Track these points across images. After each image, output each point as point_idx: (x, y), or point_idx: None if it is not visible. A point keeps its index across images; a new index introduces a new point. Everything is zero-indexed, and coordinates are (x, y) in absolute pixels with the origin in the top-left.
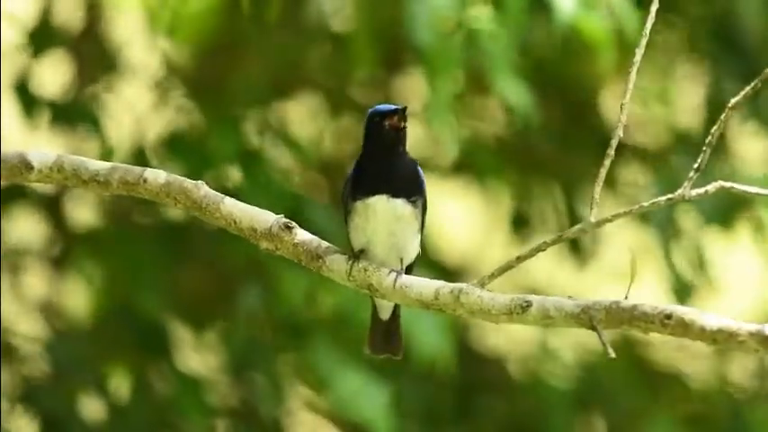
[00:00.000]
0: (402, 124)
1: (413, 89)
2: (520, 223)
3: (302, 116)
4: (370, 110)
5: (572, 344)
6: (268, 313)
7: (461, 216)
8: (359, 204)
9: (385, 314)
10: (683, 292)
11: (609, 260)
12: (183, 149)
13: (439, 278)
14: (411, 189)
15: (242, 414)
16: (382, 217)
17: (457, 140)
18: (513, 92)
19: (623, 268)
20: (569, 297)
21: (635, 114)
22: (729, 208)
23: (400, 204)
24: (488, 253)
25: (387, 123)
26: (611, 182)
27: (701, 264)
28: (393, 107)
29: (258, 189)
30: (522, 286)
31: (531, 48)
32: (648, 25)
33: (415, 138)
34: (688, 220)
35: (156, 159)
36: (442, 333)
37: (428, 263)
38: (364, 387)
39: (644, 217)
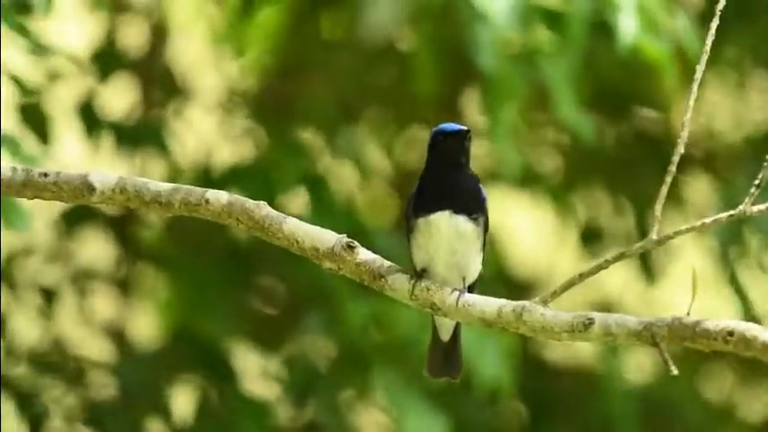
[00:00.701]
0: (465, 145)
1: (479, 110)
2: (590, 238)
3: (368, 137)
4: (434, 128)
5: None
6: (331, 339)
7: (532, 230)
8: (421, 221)
9: (445, 335)
10: (747, 309)
11: (680, 275)
12: (246, 177)
13: (510, 293)
14: (473, 206)
15: None
16: (444, 234)
17: (521, 159)
18: (574, 116)
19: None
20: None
21: (703, 129)
22: None
23: (462, 221)
24: (559, 267)
25: (450, 143)
26: (677, 196)
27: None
28: (458, 127)
29: (321, 213)
30: (594, 300)
31: (596, 68)
32: (708, 42)
33: (483, 151)
34: (754, 238)
35: (219, 186)
36: (504, 357)
37: (497, 277)
38: (425, 416)
39: (711, 231)
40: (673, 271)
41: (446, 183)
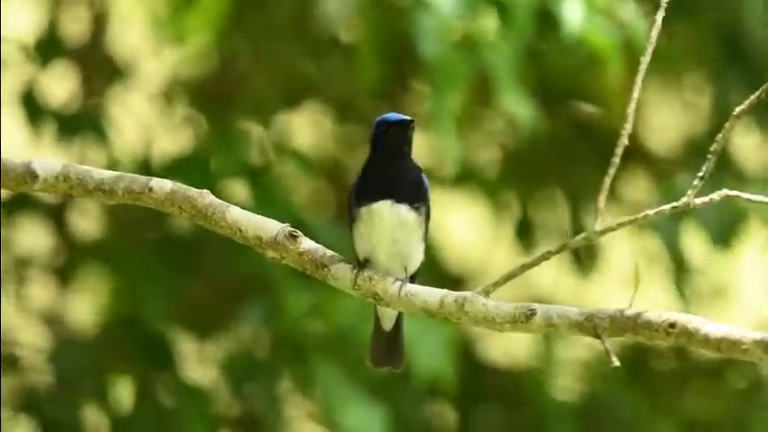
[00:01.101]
0: (408, 135)
1: (419, 100)
2: (524, 232)
3: (308, 127)
4: (377, 118)
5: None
6: (270, 327)
7: (467, 224)
8: (363, 210)
9: (388, 325)
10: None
11: (614, 266)
12: (186, 168)
13: (444, 286)
14: (415, 195)
15: (243, 425)
16: (387, 223)
17: (460, 152)
18: (516, 104)
19: (628, 274)
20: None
21: (642, 124)
22: (733, 222)
23: (404, 210)
24: (493, 261)
25: (393, 133)
26: (615, 191)
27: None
28: (401, 117)
29: (262, 203)
30: (527, 295)
31: (538, 59)
32: (654, 33)
33: (421, 147)
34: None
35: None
36: (445, 348)
37: (433, 271)
38: (363, 408)
39: (650, 225)
40: (603, 267)
41: (389, 172)
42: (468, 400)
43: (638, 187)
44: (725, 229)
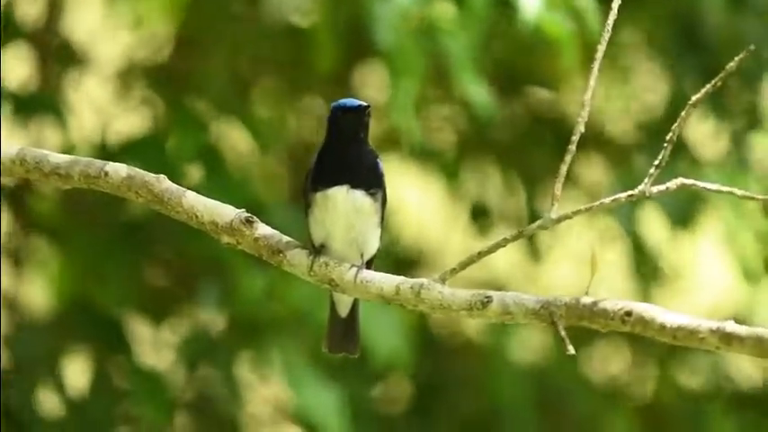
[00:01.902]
0: (364, 120)
1: (374, 82)
2: (480, 216)
3: (263, 109)
4: (333, 103)
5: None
6: (226, 310)
7: (423, 207)
8: (318, 196)
9: (343, 311)
10: (646, 280)
11: (570, 247)
12: (142, 150)
13: (400, 270)
14: (371, 181)
15: (199, 409)
16: (342, 208)
17: (418, 136)
18: (473, 90)
19: (585, 257)
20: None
21: (598, 110)
22: (689, 206)
23: (360, 196)
24: (450, 244)
25: (348, 118)
26: (572, 176)
27: (662, 258)
28: (357, 103)
29: (218, 186)
30: (484, 277)
31: (494, 44)
32: (610, 21)
33: (379, 129)
34: (649, 215)
35: (116, 159)
36: (401, 332)
37: (390, 254)
38: (319, 389)
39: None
40: (560, 248)
41: (344, 157)
42: (423, 380)
43: (594, 170)
44: (682, 212)
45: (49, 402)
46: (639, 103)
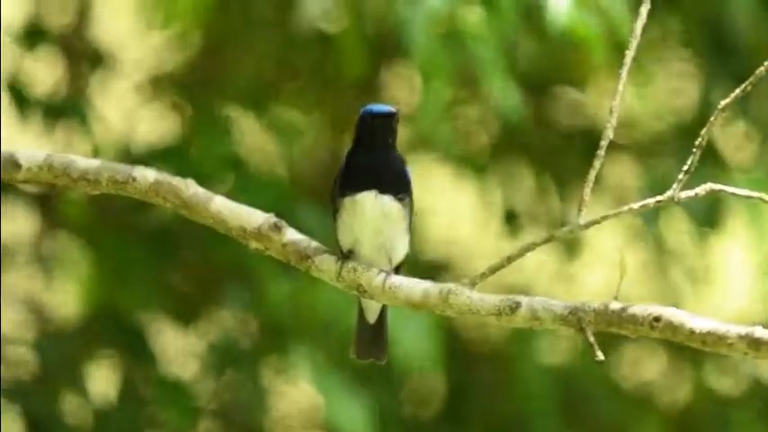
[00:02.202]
0: (393, 126)
1: (402, 86)
2: (512, 218)
3: (291, 114)
4: (362, 108)
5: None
6: (253, 316)
7: (454, 209)
8: (347, 201)
9: (372, 317)
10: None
11: (598, 247)
12: (169, 157)
13: (430, 273)
14: (399, 186)
15: (225, 416)
16: (370, 214)
17: (448, 140)
18: (502, 92)
19: (611, 256)
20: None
21: (627, 112)
22: (716, 209)
23: (388, 201)
24: (480, 247)
25: (378, 123)
26: (599, 178)
27: (688, 260)
28: (386, 109)
29: (247, 191)
30: (510, 279)
31: (523, 46)
32: (638, 26)
33: (407, 131)
34: (676, 218)
35: (143, 163)
36: (430, 336)
37: (420, 257)
38: (346, 395)
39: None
40: (587, 248)
41: (373, 162)
42: (452, 385)
43: (624, 172)
44: (709, 215)
45: (74, 409)
46: (669, 105)
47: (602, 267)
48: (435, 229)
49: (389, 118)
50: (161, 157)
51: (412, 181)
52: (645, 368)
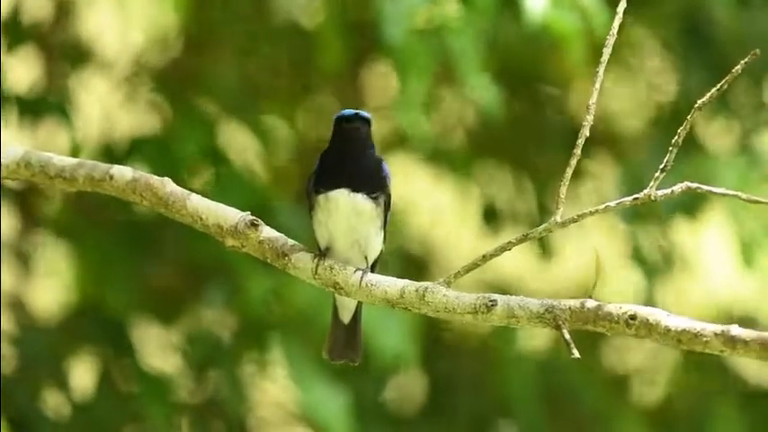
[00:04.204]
0: (363, 130)
1: (381, 78)
2: (491, 216)
3: (271, 110)
4: (335, 115)
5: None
6: (232, 312)
7: (432, 206)
8: (321, 198)
9: (346, 317)
10: (651, 278)
11: (576, 243)
12: (149, 149)
13: (409, 270)
14: (373, 184)
15: (206, 411)
16: (343, 211)
17: (427, 135)
18: (480, 89)
19: (589, 251)
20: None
21: (604, 109)
22: (695, 200)
23: (361, 199)
24: (461, 241)
25: (349, 128)
26: (577, 173)
27: (668, 251)
28: (359, 113)
29: (225, 187)
30: (489, 277)
31: (500, 43)
32: (616, 24)
33: (387, 127)
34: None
35: (123, 159)
36: (407, 334)
37: (396, 253)
38: (325, 390)
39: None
40: (569, 245)
41: (347, 161)
42: (433, 379)
43: (602, 167)
44: (686, 204)
45: (54, 404)
46: (647, 99)
47: (583, 264)
48: (415, 226)
49: (363, 123)
50: (141, 152)
51: (390, 178)
52: (626, 359)
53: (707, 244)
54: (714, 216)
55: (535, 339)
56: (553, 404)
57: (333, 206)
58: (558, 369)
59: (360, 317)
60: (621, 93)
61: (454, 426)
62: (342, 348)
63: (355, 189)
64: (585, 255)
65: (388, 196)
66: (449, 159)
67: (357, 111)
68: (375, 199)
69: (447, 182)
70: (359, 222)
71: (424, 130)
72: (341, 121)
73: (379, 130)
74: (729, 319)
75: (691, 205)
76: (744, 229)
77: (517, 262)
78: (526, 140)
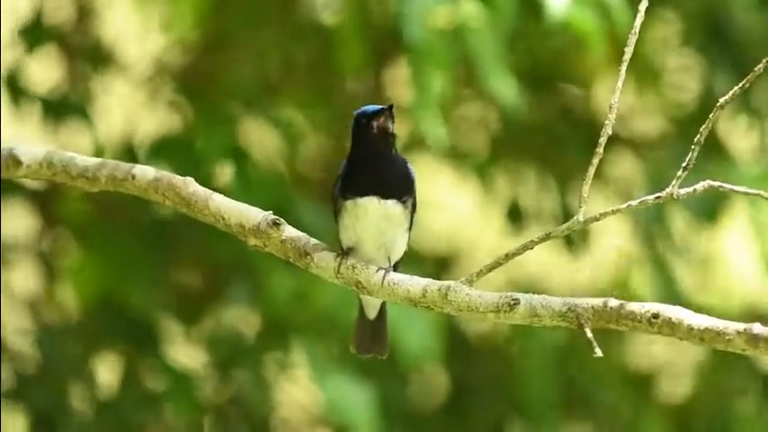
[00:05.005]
0: (390, 125)
1: (404, 80)
2: (515, 215)
3: (293, 110)
4: (355, 111)
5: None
6: (255, 311)
7: (457, 206)
8: (349, 204)
9: (371, 313)
10: (670, 288)
11: (600, 241)
12: (171, 150)
13: (434, 269)
14: (402, 189)
15: (230, 410)
16: (373, 217)
17: (447, 135)
18: (501, 88)
19: (614, 252)
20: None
21: (627, 106)
22: (717, 201)
23: (391, 205)
24: (483, 243)
25: (374, 125)
26: (600, 173)
27: (689, 255)
28: (379, 107)
29: (247, 186)
30: (514, 276)
31: (523, 42)
32: (637, 23)
33: (411, 124)
34: (677, 211)
35: (145, 159)
36: (431, 331)
37: (422, 254)
38: (348, 389)
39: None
40: (594, 245)
41: (374, 165)
42: (456, 379)
43: (625, 166)
44: (708, 206)
45: (80, 402)
46: (670, 99)
47: (608, 263)
48: (439, 225)
49: (384, 116)
50: (162, 151)
51: (415, 180)
52: (650, 356)
53: (729, 246)
54: (736, 219)
55: (555, 337)
56: (573, 401)
57: (362, 212)
58: (579, 367)
59: (385, 312)
60: (645, 92)
61: (475, 425)
62: (369, 343)
63: (385, 195)
64: (610, 255)
65: (415, 199)
66: (471, 159)
67: (382, 106)
68: (404, 203)
69: (470, 182)
70: (388, 227)
71: (441, 130)
72: (365, 117)
73: (402, 129)
74: (752, 318)
75: (713, 208)
76: (766, 232)
77: (543, 260)
78: (549, 140)
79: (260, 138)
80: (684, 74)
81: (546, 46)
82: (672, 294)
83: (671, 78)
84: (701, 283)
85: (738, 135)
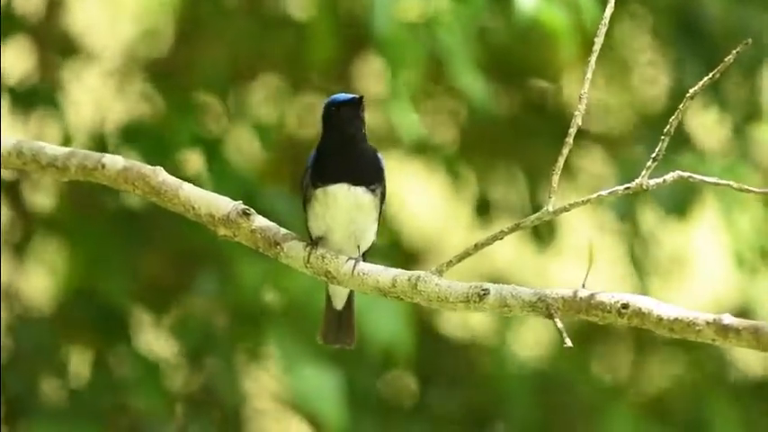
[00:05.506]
0: (360, 113)
1: (373, 73)
2: (483, 208)
3: (262, 102)
4: (326, 99)
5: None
6: (225, 300)
7: (425, 199)
8: (319, 192)
9: (339, 303)
10: (641, 276)
11: (569, 236)
12: (141, 136)
13: (402, 262)
14: (371, 177)
15: (201, 399)
16: (342, 205)
17: (417, 129)
18: (469, 82)
19: (584, 249)
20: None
21: (597, 101)
22: (687, 196)
23: (361, 193)
24: (451, 237)
25: (344, 112)
26: (571, 168)
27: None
28: (350, 96)
29: (217, 175)
30: (484, 271)
31: (492, 36)
32: (607, 14)
33: (379, 118)
34: (647, 206)
35: (115, 146)
36: (400, 320)
37: (391, 246)
38: (317, 378)
39: (604, 202)
40: (563, 242)
41: (344, 153)
42: (425, 373)
43: (595, 161)
44: (678, 200)
45: (51, 391)
46: (640, 94)
47: (577, 257)
48: (408, 219)
49: (355, 105)
50: (133, 138)
51: (384, 169)
52: (617, 356)
53: (699, 240)
54: (706, 213)
55: (529, 333)
56: (546, 397)
57: (332, 200)
58: (553, 363)
59: (353, 302)
60: (614, 86)
61: (446, 419)
62: (336, 333)
63: (355, 183)
64: (579, 241)
65: (384, 188)
66: (439, 153)
67: (350, 94)
68: (374, 191)
69: (439, 175)
70: (358, 215)
71: (413, 123)
72: (335, 105)
73: (371, 123)
74: (722, 310)
75: (683, 202)
76: (736, 225)
77: (511, 255)
78: (518, 134)
79: (229, 128)
80: (654, 68)
81: (515, 41)
82: (642, 291)
83: (641, 73)
84: (671, 279)
85: (708, 128)
